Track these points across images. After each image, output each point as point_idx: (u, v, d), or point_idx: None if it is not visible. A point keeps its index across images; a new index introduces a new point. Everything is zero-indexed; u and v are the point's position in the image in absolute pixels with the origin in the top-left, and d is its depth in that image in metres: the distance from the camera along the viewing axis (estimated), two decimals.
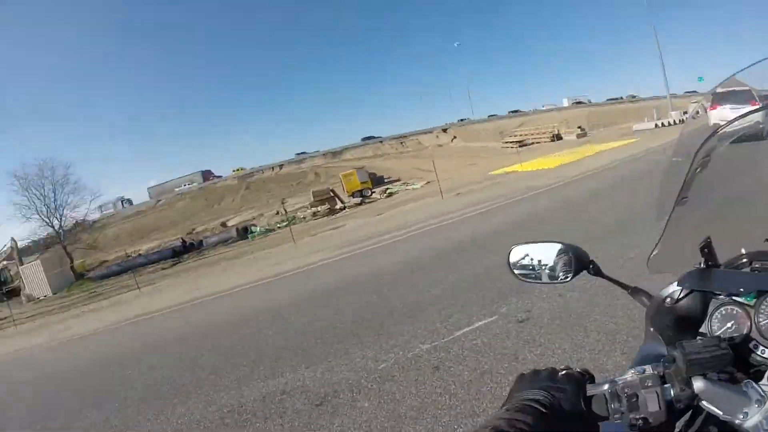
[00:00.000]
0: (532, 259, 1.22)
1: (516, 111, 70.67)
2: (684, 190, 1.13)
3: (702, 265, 1.08)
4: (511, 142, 41.47)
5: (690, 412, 0.85)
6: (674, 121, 31.91)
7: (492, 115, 71.17)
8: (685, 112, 34.38)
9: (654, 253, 1.21)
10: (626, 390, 0.81)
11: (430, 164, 34.57)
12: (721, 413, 0.78)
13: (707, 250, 1.08)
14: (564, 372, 0.86)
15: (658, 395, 0.79)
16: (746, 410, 0.76)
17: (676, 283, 1.06)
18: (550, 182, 15.68)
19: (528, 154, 30.65)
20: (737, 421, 0.76)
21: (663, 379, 0.82)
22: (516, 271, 1.25)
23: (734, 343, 0.92)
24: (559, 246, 1.17)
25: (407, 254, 9.86)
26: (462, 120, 71.21)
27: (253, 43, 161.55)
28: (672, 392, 0.80)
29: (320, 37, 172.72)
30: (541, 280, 1.21)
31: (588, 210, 9.50)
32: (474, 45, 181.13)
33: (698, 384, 0.79)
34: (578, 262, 1.14)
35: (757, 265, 1.11)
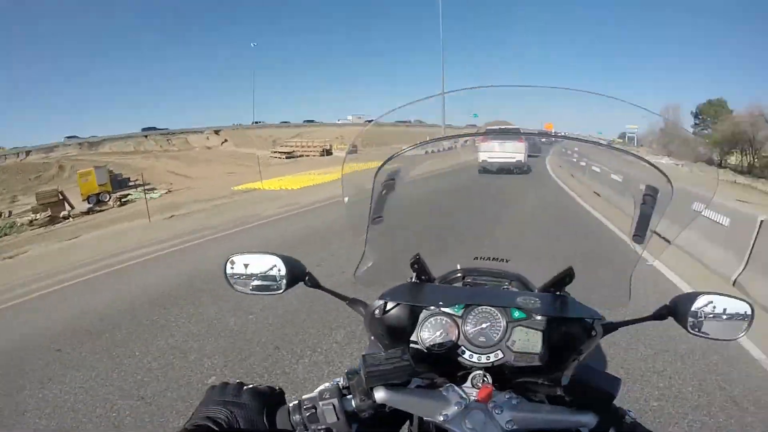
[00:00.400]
0: (249, 270, 1.18)
1: (311, 120, 70.69)
2: (375, 211, 1.26)
3: (414, 279, 1.21)
4: (279, 153, 39.60)
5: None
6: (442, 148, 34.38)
7: (284, 122, 69.91)
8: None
9: (360, 266, 1.31)
10: (306, 403, 0.87)
11: (188, 168, 30.25)
12: (423, 416, 0.89)
13: (417, 265, 1.19)
14: (250, 387, 0.89)
15: (334, 407, 0.86)
16: (445, 412, 0.85)
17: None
18: (280, 210, 14.03)
19: (283, 169, 28.94)
20: (438, 422, 0.85)
21: (348, 390, 0.90)
22: (232, 282, 1.19)
23: (445, 348, 1.05)
24: (275, 258, 1.16)
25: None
26: (257, 122, 68.92)
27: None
28: (353, 402, 0.88)
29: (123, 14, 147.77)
30: (257, 291, 1.18)
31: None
32: (274, 48, 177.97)
33: (380, 394, 0.86)
34: (294, 273, 1.16)
35: (468, 280, 1.28)
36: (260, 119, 72.55)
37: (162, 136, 54.19)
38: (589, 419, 0.86)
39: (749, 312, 1.06)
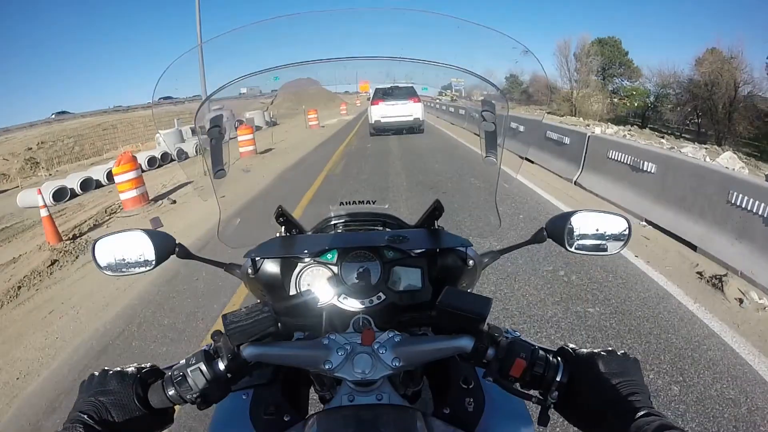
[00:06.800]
0: (117, 251, 1.10)
1: (62, 112, 51.25)
2: (214, 164, 1.19)
3: (284, 233, 1.21)
4: None
5: None
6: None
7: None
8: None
9: (222, 227, 1.25)
10: (176, 373, 0.81)
11: None
12: (304, 367, 0.87)
13: (282, 218, 1.19)
14: (116, 371, 0.82)
15: (201, 371, 0.80)
16: (329, 359, 0.83)
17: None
18: None
19: None
20: (324, 371, 0.83)
21: (216, 353, 0.83)
22: (102, 265, 1.11)
23: (325, 299, 1.07)
24: (140, 233, 1.09)
25: None
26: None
27: None
28: (221, 364, 0.82)
29: None
30: (128, 270, 1.10)
31: None
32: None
33: (247, 350, 0.82)
34: (162, 246, 1.09)
35: (340, 227, 1.30)
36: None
37: None
38: (465, 342, 0.84)
39: (625, 226, 1.10)
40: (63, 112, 51.17)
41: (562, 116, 35.93)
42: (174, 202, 8.73)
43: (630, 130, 24.82)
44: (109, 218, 7.94)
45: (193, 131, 19.16)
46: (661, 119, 40.36)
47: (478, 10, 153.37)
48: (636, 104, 43.03)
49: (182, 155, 14.87)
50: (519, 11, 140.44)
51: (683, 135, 34.73)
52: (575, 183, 7.87)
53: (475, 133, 1.28)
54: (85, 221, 7.83)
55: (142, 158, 14.10)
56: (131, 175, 7.94)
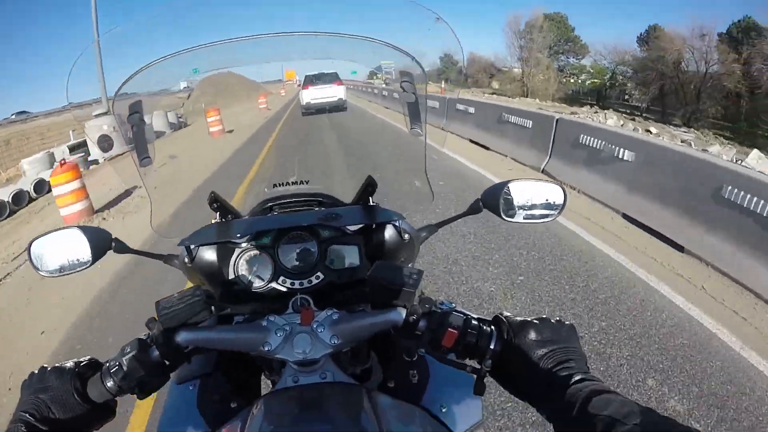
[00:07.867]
0: (53, 250, 1.03)
1: (23, 112, 47.73)
2: (140, 152, 1.14)
3: (218, 219, 1.15)
4: None
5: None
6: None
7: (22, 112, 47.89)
8: (75, 149, 15.40)
9: (155, 217, 1.21)
10: (112, 365, 0.78)
11: None
12: (243, 350, 0.84)
13: (216, 204, 1.14)
14: (54, 367, 0.79)
15: (138, 359, 0.78)
16: (268, 341, 0.81)
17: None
18: None
19: None
20: (264, 353, 0.81)
21: (152, 341, 0.81)
22: (38, 266, 1.04)
23: (264, 281, 1.05)
24: (74, 230, 1.03)
25: None
26: None
27: None
28: (157, 351, 0.80)
29: None
30: (64, 269, 1.03)
31: None
32: None
33: (181, 335, 0.80)
34: (98, 242, 1.03)
35: (276, 209, 1.22)
36: None
37: None
38: (396, 315, 0.83)
39: (560, 193, 1.09)
40: (23, 112, 47.78)
41: (512, 98, 33.16)
42: None
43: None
44: None
45: (72, 149, 15.09)
46: (619, 98, 38.45)
47: None
48: (593, 82, 41.10)
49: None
50: None
51: (644, 115, 33.02)
52: None
53: (400, 111, 1.27)
54: None
55: None
56: None
